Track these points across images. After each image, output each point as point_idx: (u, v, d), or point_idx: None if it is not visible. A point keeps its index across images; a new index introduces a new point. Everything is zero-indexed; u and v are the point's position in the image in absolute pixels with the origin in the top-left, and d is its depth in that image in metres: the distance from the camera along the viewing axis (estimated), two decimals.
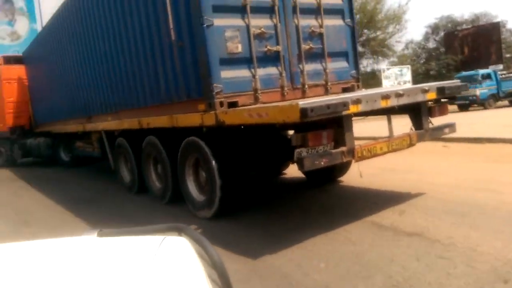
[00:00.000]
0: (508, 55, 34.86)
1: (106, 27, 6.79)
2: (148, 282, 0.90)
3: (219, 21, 4.70)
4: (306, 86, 5.48)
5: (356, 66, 6.13)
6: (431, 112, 4.87)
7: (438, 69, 33.32)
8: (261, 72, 5.05)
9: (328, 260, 3.50)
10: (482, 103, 21.23)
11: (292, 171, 6.78)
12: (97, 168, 11.05)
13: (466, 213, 4.15)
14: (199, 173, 5.42)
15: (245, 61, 4.94)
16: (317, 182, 6.44)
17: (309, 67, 5.55)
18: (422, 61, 37.38)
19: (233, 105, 4.75)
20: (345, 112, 3.79)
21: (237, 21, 4.88)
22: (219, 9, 4.70)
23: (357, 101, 3.90)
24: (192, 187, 5.50)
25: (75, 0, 7.96)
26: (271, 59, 5.18)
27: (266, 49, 5.09)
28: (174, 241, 1.09)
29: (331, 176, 6.43)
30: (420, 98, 4.54)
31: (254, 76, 4.97)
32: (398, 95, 4.28)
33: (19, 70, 14.06)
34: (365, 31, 28.23)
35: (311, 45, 5.53)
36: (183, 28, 4.90)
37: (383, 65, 30.19)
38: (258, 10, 5.02)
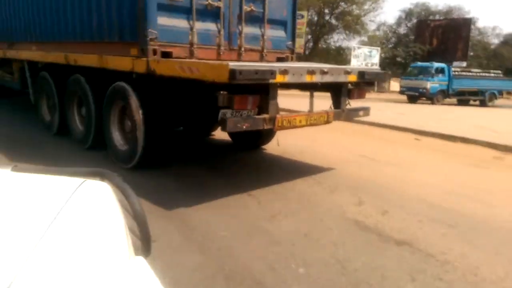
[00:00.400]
0: (471, 54, 35.03)
1: None
2: (60, 223, 0.84)
3: None
4: (243, 49, 5.57)
5: (293, 37, 6.31)
6: (350, 94, 5.24)
7: (404, 56, 32.75)
8: (199, 26, 5.04)
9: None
10: (431, 98, 20.85)
11: (221, 134, 6.97)
12: (16, 102, 10.29)
13: (456, 224, 3.86)
14: (124, 121, 5.35)
15: (185, 10, 4.89)
16: (243, 146, 6.66)
17: (247, 29, 5.62)
18: (390, 46, 36.87)
19: (166, 55, 4.73)
20: (272, 81, 3.98)
21: None
22: None
23: (284, 72, 4.10)
24: (116, 135, 5.41)
25: None
26: (211, 14, 5.17)
27: (207, 2, 5.05)
28: (95, 185, 1.02)
29: (256, 143, 6.68)
30: (342, 78, 4.86)
31: (191, 29, 4.95)
32: (323, 72, 4.55)
33: None
34: (342, 4, 26.79)
35: (252, 7, 5.57)
36: None
37: (353, 43, 28.92)
38: None
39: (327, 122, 4.92)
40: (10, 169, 1.11)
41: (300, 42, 18.23)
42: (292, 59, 6.34)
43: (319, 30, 25.24)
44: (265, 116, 4.19)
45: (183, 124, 5.98)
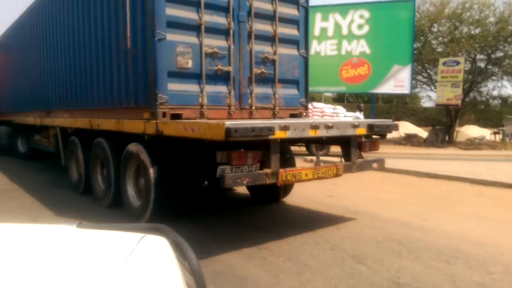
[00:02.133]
0: None
1: (68, 25, 7.02)
2: (123, 277, 0.89)
3: (172, 36, 4.93)
4: (254, 108, 5.75)
5: (306, 94, 6.45)
6: (361, 147, 5.18)
7: None
8: (209, 89, 5.29)
9: None
10: None
11: (242, 189, 7.08)
12: (51, 163, 10.95)
13: None
14: (139, 179, 5.55)
15: (194, 76, 5.17)
16: (261, 199, 6.65)
17: (258, 90, 5.83)
18: None
19: (176, 116, 4.95)
20: (271, 137, 4.04)
21: (191, 38, 5.12)
22: (173, 25, 4.94)
23: (285, 128, 4.17)
24: (131, 192, 5.61)
25: None
26: (222, 78, 5.43)
27: (217, 68, 5.34)
28: (154, 240, 1.07)
29: (274, 196, 6.66)
30: (349, 132, 4.85)
31: (201, 91, 5.20)
32: (327, 126, 4.58)
33: None
34: (505, 45, 20.63)
35: (263, 69, 5.82)
36: (138, 37, 5.11)
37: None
38: (213, 31, 5.28)
39: (337, 175, 4.85)
40: (75, 226, 1.20)
41: (456, 92, 17.34)
42: (306, 115, 6.44)
43: (474, 77, 20.99)
44: (267, 170, 4.21)
45: (195, 180, 6.09)
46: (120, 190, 5.85)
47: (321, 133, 4.55)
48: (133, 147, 5.38)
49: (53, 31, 7.97)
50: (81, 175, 7.19)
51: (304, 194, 6.94)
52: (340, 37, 17.29)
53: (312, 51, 16.84)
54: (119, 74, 5.62)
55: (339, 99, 35.54)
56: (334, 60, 17.37)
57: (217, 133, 3.76)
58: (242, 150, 4.08)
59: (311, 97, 11.20)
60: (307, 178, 4.52)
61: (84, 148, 7.04)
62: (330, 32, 17.43)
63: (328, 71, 17.04)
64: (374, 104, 20.09)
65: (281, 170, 4.28)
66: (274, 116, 6.03)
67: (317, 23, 17.36)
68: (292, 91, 6.30)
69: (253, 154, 4.13)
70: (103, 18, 5.89)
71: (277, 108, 6.02)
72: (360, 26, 16.97)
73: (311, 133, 4.45)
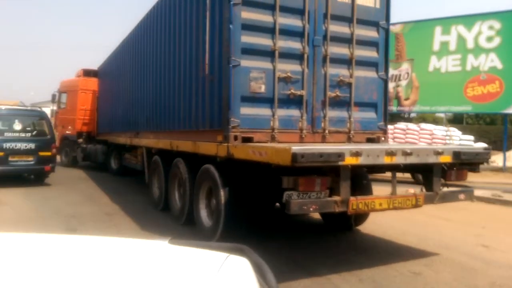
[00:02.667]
0: None
1: (154, 54, 7.61)
2: None
3: (246, 62, 5.05)
4: (327, 132, 5.61)
5: (385, 118, 6.14)
6: (445, 175, 4.74)
7: None
8: (281, 112, 5.28)
9: None
10: None
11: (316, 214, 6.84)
12: (139, 180, 11.75)
13: None
14: (211, 200, 5.67)
15: (267, 101, 5.21)
16: (334, 226, 6.41)
17: (332, 113, 5.68)
18: None
19: (248, 140, 5.01)
20: (341, 163, 3.87)
21: (264, 64, 5.19)
22: (248, 52, 5.06)
23: (357, 154, 3.96)
24: (203, 212, 5.75)
25: (138, 29, 8.96)
26: (294, 101, 5.40)
27: (289, 92, 5.33)
28: (237, 260, 1.15)
29: (348, 223, 6.36)
30: (431, 159, 4.46)
31: (273, 115, 5.21)
32: (405, 153, 4.26)
33: (94, 83, 15.67)
34: None
35: (338, 93, 5.68)
36: (215, 64, 5.33)
37: None
38: (287, 56, 5.31)
39: (416, 206, 4.46)
40: (167, 241, 1.32)
41: None
42: (384, 139, 6.12)
43: None
44: (336, 198, 4.02)
45: (265, 204, 6.05)
46: (193, 209, 6.04)
47: (398, 160, 4.24)
48: (206, 168, 5.54)
49: (142, 60, 8.76)
50: (162, 193, 7.58)
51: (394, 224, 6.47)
52: (465, 51, 15.20)
53: (430, 68, 15.65)
54: (197, 99, 5.89)
55: (455, 120, 31.05)
56: (458, 76, 15.29)
57: (284, 158, 3.70)
58: (310, 176, 3.96)
59: (421, 118, 9.96)
60: (381, 208, 4.22)
61: (165, 167, 7.45)
62: (453, 46, 15.43)
63: (450, 89, 15.27)
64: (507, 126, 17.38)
65: (352, 198, 4.06)
66: (349, 140, 5.81)
67: (436, 37, 15.67)
68: (369, 115, 6.03)
69: (322, 180, 3.98)
70: (186, 47, 6.29)
71: (352, 132, 5.80)
72: (489, 38, 14.79)
73: (386, 160, 4.18)
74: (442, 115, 23.10)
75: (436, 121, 21.87)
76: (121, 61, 11.04)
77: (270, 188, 5.22)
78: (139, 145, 9.31)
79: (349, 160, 3.91)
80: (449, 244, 5.62)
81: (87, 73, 16.40)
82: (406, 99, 16.49)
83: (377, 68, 6.03)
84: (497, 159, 15.85)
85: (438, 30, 15.73)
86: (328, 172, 4.10)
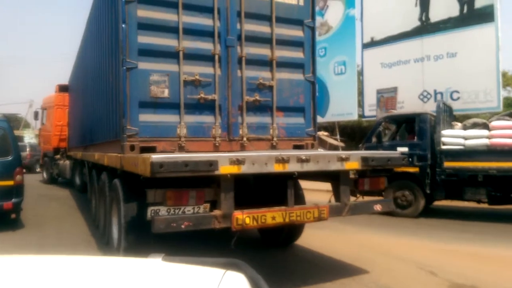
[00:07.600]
0: None
1: (87, 64, 7.23)
2: None
3: (145, 65, 4.64)
4: (245, 139, 5.16)
5: (314, 123, 5.68)
6: (357, 184, 4.25)
7: None
8: (190, 119, 4.86)
9: None
10: None
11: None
12: None
13: None
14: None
15: (172, 106, 4.79)
16: (271, 242, 5.94)
17: (252, 119, 5.25)
18: None
19: (149, 150, 4.57)
20: (217, 172, 3.42)
21: (168, 66, 4.78)
22: (147, 53, 4.66)
23: (238, 162, 3.50)
24: (114, 228, 5.28)
25: (82, 37, 8.66)
26: (205, 107, 4.98)
27: (199, 96, 4.91)
28: (234, 276, 1.14)
29: (286, 239, 5.88)
30: (334, 166, 3.97)
31: (180, 122, 4.79)
32: (301, 160, 3.79)
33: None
34: None
35: (257, 97, 5.25)
36: (113, 69, 4.95)
37: None
38: (195, 57, 4.91)
39: (320, 219, 3.96)
40: (161, 258, 1.30)
41: None
42: (313, 146, 5.65)
43: None
44: (216, 213, 3.55)
45: None
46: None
47: (292, 167, 3.77)
48: (114, 182, 5.10)
49: (85, 71, 8.40)
50: (96, 212, 7.15)
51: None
52: None
53: None
54: (107, 107, 5.50)
55: None
56: None
57: (145, 168, 3.26)
58: (180, 188, 3.49)
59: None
60: (274, 222, 3.73)
61: (97, 182, 7.02)
62: None
63: None
64: None
65: (236, 212, 3.57)
66: (273, 147, 5.36)
67: None
68: (296, 120, 5.58)
69: (198, 193, 3.50)
70: (99, 54, 5.94)
71: (275, 139, 5.35)
72: None
73: (276, 168, 3.70)
74: None
75: None
76: (75, 73, 10.75)
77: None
78: (81, 159, 8.94)
79: (227, 169, 3.45)
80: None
81: (62, 88, 16.15)
82: None
83: (303, 70, 5.60)
84: None
85: None
86: (210, 183, 3.64)
